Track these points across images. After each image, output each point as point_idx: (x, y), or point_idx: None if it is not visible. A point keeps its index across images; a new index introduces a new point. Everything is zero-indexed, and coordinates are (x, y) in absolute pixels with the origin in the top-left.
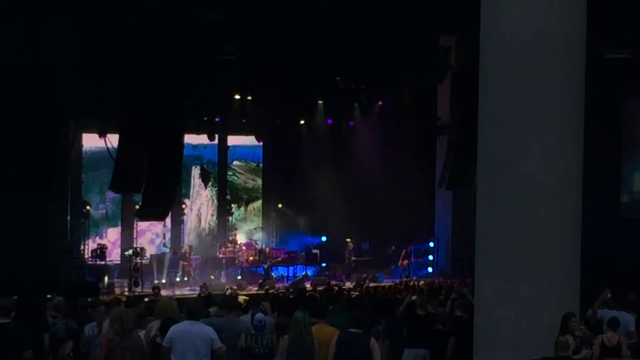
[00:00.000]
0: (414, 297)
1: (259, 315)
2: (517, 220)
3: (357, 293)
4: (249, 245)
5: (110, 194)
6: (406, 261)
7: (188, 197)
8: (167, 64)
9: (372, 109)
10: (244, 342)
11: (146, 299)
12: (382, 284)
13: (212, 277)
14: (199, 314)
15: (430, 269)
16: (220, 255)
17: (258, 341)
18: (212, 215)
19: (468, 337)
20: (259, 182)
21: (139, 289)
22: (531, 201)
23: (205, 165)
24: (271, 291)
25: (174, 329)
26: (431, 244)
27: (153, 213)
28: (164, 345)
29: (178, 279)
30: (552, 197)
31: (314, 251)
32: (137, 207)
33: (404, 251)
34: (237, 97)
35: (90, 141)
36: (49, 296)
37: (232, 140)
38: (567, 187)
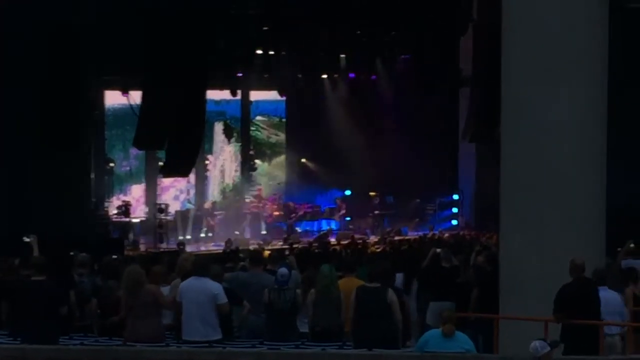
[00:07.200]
0: (438, 250)
1: (282, 270)
2: (542, 171)
3: (381, 247)
4: (272, 200)
5: (134, 151)
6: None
7: (211, 152)
8: (188, 19)
9: (394, 62)
10: (267, 297)
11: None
12: (407, 237)
13: (236, 232)
14: (206, 269)
15: (455, 222)
16: (245, 211)
17: (281, 296)
18: (235, 170)
19: (492, 288)
20: (282, 136)
21: (163, 245)
22: (556, 152)
23: (228, 121)
24: (295, 246)
25: (182, 285)
26: (455, 197)
27: (177, 169)
28: (176, 300)
29: (203, 235)
30: (578, 149)
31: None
32: (161, 163)
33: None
34: (259, 52)
35: (113, 98)
36: (72, 253)
37: (255, 95)
38: (593, 139)
